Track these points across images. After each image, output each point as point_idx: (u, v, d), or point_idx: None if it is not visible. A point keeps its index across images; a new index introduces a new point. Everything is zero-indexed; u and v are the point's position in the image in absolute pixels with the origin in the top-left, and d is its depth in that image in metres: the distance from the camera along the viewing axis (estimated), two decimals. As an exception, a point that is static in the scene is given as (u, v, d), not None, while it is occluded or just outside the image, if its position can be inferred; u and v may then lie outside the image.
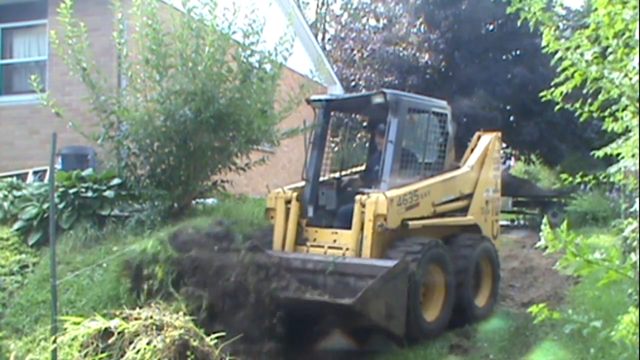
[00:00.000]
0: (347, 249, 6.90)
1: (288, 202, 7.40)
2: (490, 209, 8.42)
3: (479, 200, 8.13)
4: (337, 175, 8.33)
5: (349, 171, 8.52)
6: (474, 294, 7.55)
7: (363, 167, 8.73)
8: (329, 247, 7.09)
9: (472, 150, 8.43)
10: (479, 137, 8.59)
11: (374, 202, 6.77)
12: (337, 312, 6.09)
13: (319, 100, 8.12)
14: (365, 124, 9.06)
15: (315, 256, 6.83)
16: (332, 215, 7.67)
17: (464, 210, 7.95)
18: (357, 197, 6.94)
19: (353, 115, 8.82)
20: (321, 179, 7.96)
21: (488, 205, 8.35)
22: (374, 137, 8.60)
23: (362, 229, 6.83)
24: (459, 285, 7.14)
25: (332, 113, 8.29)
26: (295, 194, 7.44)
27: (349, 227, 7.01)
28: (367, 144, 8.93)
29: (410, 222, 6.98)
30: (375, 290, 5.85)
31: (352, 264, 6.48)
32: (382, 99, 7.30)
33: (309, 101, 8.07)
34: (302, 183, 7.78)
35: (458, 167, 8.14)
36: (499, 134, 8.76)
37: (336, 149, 8.69)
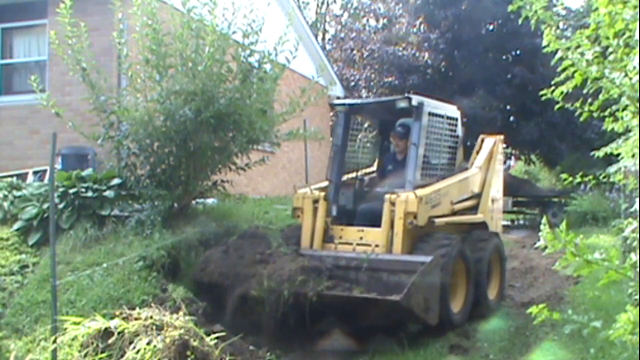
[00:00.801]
0: (376, 246, 7.20)
1: (315, 201, 7.66)
2: (495, 207, 8.90)
3: (486, 199, 8.58)
4: (351, 175, 8.60)
5: (361, 172, 8.74)
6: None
7: (374, 168, 8.99)
8: (357, 244, 7.38)
9: (478, 152, 8.87)
10: (482, 140, 9.01)
11: (404, 200, 7.11)
12: (383, 308, 6.37)
13: (342, 104, 8.48)
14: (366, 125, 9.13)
15: (346, 253, 7.18)
16: (351, 214, 7.94)
17: (473, 209, 8.35)
18: (387, 196, 7.24)
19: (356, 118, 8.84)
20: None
21: (493, 203, 8.83)
22: (384, 139, 8.94)
23: (391, 226, 7.16)
24: (476, 277, 7.53)
25: (353, 117, 8.59)
26: (322, 194, 7.71)
27: (372, 225, 7.40)
28: (375, 146, 9.16)
29: (436, 220, 7.36)
30: (417, 285, 6.20)
31: (387, 260, 6.88)
32: (407, 104, 7.61)
33: (332, 105, 8.56)
34: (325, 183, 8.11)
35: (467, 168, 8.56)
36: (501, 136, 9.24)
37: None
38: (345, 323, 6.69)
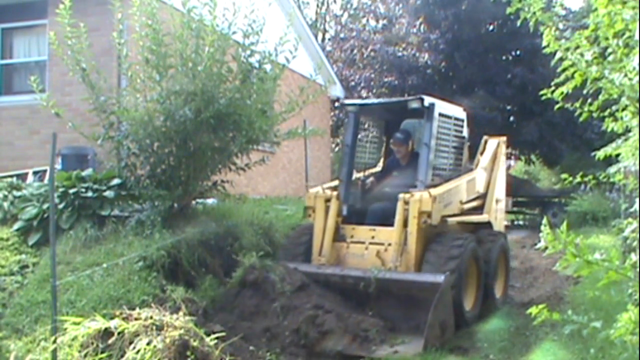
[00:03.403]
0: (389, 245, 7.26)
1: (327, 200, 7.71)
2: (499, 207, 9.03)
3: (491, 199, 8.70)
4: (358, 175, 8.62)
5: (366, 172, 8.75)
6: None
7: (378, 168, 8.99)
8: (370, 243, 7.44)
9: (482, 153, 8.93)
10: (486, 142, 9.07)
11: (419, 200, 7.15)
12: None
13: (353, 104, 8.49)
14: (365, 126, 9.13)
15: (353, 271, 7.13)
16: (360, 213, 7.97)
17: (479, 209, 8.47)
18: (400, 195, 7.26)
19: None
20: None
21: (497, 203, 8.94)
22: (389, 140, 8.92)
23: (405, 225, 7.21)
24: (485, 276, 7.64)
25: (362, 117, 8.66)
26: (335, 193, 7.74)
27: (382, 224, 7.52)
28: (380, 147, 9.21)
29: (448, 219, 7.47)
30: (433, 320, 6.25)
31: (397, 280, 6.82)
32: (419, 104, 7.66)
33: (342, 105, 8.54)
34: (335, 182, 8.23)
35: (471, 169, 8.62)
36: (504, 138, 9.35)
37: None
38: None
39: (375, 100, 8.78)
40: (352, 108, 8.32)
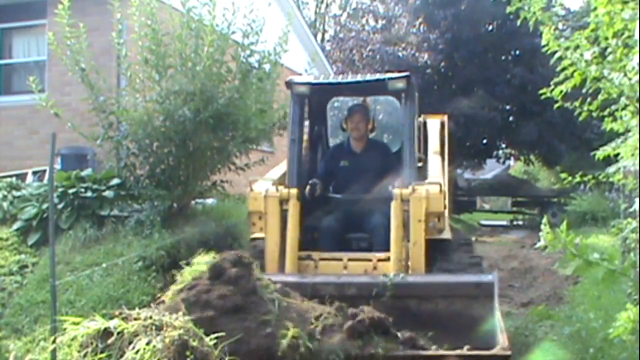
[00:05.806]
0: (378, 260, 5.32)
1: (284, 202, 5.45)
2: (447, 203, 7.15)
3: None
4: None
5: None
6: None
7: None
8: (349, 260, 5.40)
9: (425, 137, 6.95)
10: (425, 123, 7.09)
11: (425, 197, 5.17)
12: None
13: (304, 83, 6.03)
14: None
15: (354, 277, 5.00)
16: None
17: None
18: (396, 191, 5.28)
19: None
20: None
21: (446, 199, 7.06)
22: (316, 124, 6.92)
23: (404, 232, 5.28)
24: None
25: (315, 100, 6.67)
26: (295, 192, 5.48)
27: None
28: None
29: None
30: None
31: (434, 284, 4.85)
32: (405, 85, 5.69)
33: (289, 84, 5.95)
34: (278, 171, 6.25)
35: (421, 159, 6.62)
36: (445, 117, 7.52)
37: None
38: None
39: (335, 80, 6.10)
40: (302, 89, 5.89)
